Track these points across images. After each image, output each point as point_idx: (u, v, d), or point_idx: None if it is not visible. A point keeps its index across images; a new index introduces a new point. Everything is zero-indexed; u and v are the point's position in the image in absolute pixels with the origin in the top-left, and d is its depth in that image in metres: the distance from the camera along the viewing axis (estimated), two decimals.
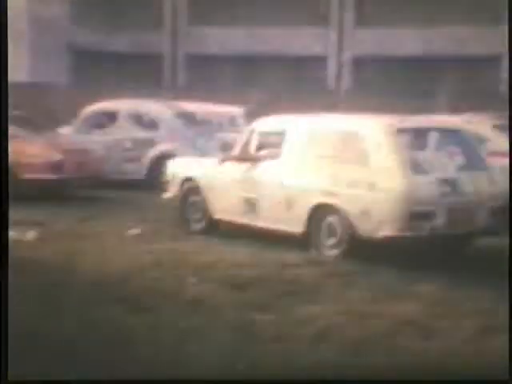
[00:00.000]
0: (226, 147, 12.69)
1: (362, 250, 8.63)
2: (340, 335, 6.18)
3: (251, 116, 14.13)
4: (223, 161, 10.17)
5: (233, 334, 6.15)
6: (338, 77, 29.94)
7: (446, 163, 8.74)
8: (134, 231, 10.15)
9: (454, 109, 17.29)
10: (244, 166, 9.81)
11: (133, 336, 6.08)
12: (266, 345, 5.95)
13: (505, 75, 27.84)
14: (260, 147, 9.83)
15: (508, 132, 10.73)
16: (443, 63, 28.32)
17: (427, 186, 8.45)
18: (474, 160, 9.05)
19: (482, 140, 11.60)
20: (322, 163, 9.06)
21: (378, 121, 9.22)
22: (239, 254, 8.83)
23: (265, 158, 9.68)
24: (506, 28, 28.52)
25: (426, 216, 8.40)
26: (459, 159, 8.88)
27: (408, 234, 8.36)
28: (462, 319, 6.59)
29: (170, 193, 10.82)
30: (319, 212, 8.95)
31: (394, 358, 5.74)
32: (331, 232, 8.87)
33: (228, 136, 14.56)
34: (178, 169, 10.85)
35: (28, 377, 5.12)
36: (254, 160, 9.74)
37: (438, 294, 7.36)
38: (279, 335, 6.15)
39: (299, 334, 6.21)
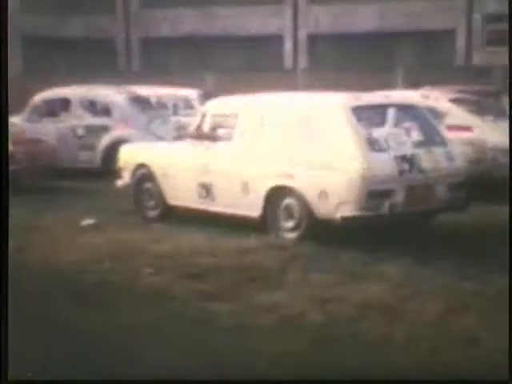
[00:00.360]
0: (181, 131, 12.46)
1: (322, 231, 8.44)
2: (303, 322, 6.00)
3: (207, 98, 13.94)
4: (175, 141, 9.99)
5: (192, 325, 5.96)
6: (295, 55, 29.77)
7: (403, 140, 8.56)
8: (88, 221, 9.89)
9: (412, 83, 17.23)
10: (198, 149, 9.58)
11: (88, 330, 5.86)
12: (227, 335, 5.75)
13: (460, 49, 27.93)
14: (214, 129, 9.58)
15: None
16: (399, 38, 28.29)
17: (385, 163, 8.26)
18: (431, 135, 8.89)
19: (439, 114, 11.50)
20: (276, 144, 8.84)
21: (333, 99, 9.02)
22: (197, 241, 8.61)
23: (218, 140, 9.44)
24: (460, 2, 28.71)
25: (384, 194, 8.23)
26: (416, 135, 8.72)
27: (367, 213, 8.17)
28: (428, 299, 6.43)
29: (123, 180, 10.56)
30: (276, 194, 8.75)
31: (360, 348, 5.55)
32: (289, 214, 8.68)
33: (183, 119, 14.35)
34: (130, 155, 10.59)
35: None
36: (208, 138, 9.48)
37: (402, 274, 7.20)
38: (240, 324, 5.96)
39: (260, 322, 6.01)
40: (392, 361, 5.27)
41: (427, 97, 12.04)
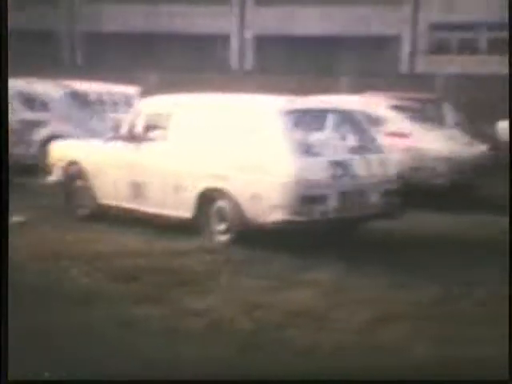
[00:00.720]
0: (118, 128, 12.27)
1: (254, 235, 8.33)
2: (230, 328, 5.92)
3: (148, 95, 13.75)
4: (108, 140, 9.79)
5: (118, 329, 5.84)
6: (241, 56, 29.73)
7: (338, 145, 8.53)
8: (17, 219, 9.61)
9: (355, 88, 17.29)
10: (130, 148, 9.41)
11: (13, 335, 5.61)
12: (155, 339, 5.63)
13: (404, 56, 28.21)
14: (148, 129, 9.43)
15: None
16: (345, 42, 28.45)
17: (318, 168, 8.21)
18: (367, 142, 8.88)
19: (378, 121, 11.51)
20: (211, 145, 8.72)
21: (268, 101, 8.94)
22: (126, 242, 8.44)
23: (152, 139, 9.28)
24: (406, 8, 29.01)
25: (316, 200, 8.17)
26: (352, 141, 8.69)
27: (298, 218, 8.09)
28: (358, 308, 6.39)
29: (54, 177, 10.34)
30: (208, 196, 8.63)
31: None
32: (221, 217, 8.56)
33: (121, 116, 14.12)
34: (62, 151, 10.38)
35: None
36: (139, 140, 9.32)
37: (332, 281, 7.15)
38: (168, 328, 5.85)
39: (189, 327, 5.92)
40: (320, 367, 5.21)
41: (368, 103, 12.05)
